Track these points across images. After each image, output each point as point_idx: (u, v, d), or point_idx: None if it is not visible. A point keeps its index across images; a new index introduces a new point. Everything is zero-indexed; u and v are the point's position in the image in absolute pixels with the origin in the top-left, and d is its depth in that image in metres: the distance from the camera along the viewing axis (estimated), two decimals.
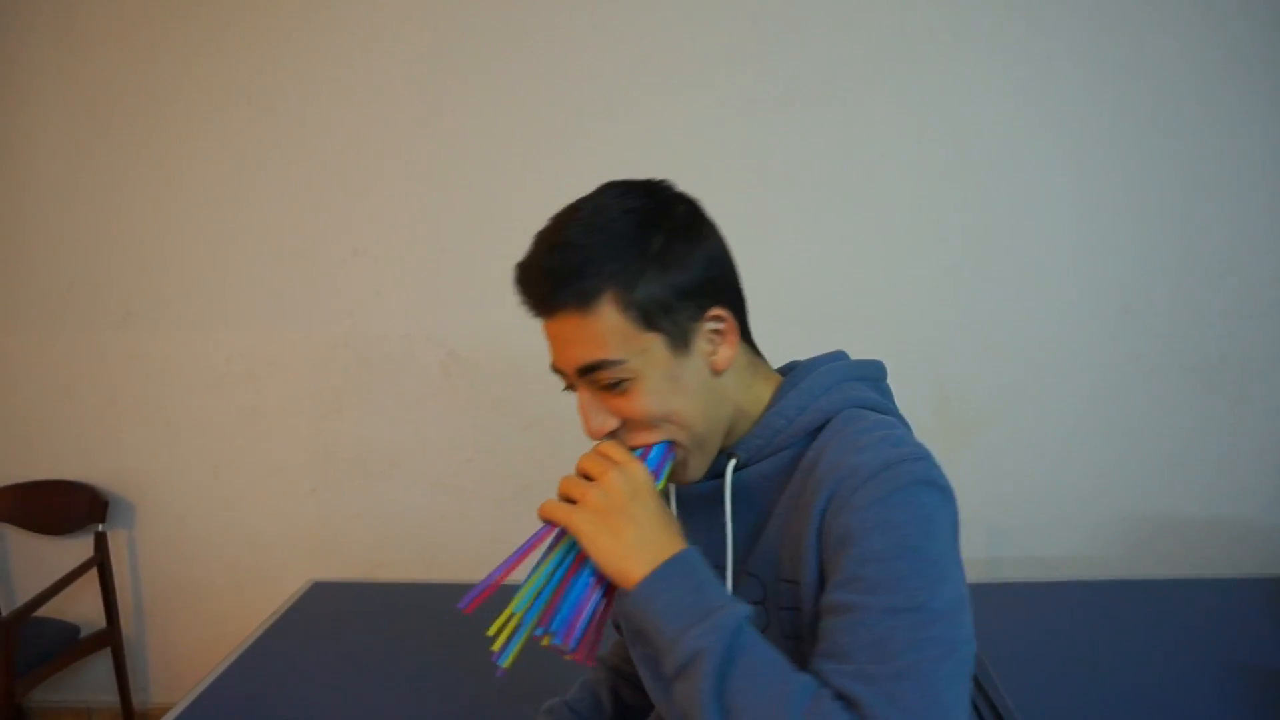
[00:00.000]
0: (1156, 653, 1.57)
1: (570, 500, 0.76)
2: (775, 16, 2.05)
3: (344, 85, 2.16)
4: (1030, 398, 2.12)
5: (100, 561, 2.28)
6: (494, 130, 2.14)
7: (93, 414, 2.33)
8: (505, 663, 0.74)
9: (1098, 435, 2.11)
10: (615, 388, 0.77)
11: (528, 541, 0.78)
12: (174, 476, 2.34)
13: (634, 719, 1.05)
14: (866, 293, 2.12)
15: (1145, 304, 2.07)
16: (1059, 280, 2.08)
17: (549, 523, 0.77)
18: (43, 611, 2.13)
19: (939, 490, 0.73)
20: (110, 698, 2.39)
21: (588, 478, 0.77)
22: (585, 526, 0.74)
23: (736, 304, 0.83)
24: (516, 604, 0.74)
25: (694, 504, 0.86)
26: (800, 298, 2.09)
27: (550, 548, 0.78)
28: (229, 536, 2.35)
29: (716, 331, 0.80)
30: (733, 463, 0.83)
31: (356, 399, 2.27)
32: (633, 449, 0.79)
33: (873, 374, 0.88)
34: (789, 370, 0.89)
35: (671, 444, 0.80)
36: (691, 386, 0.79)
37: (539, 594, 0.75)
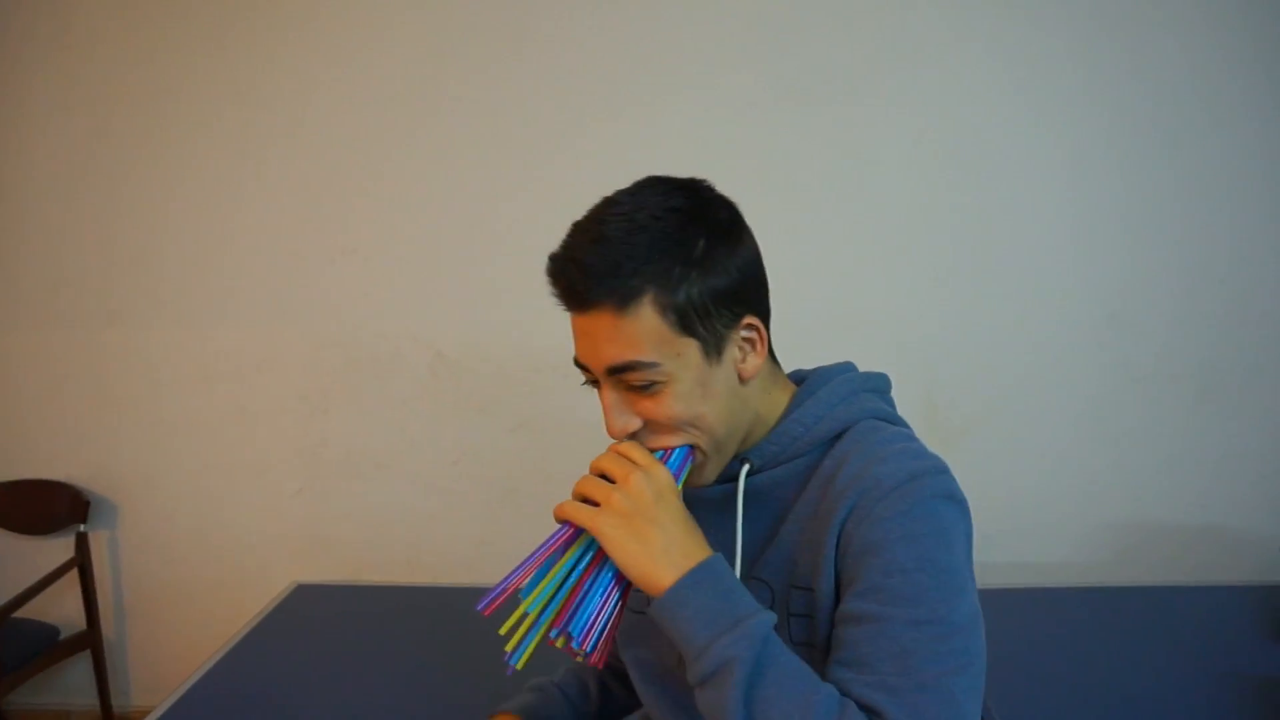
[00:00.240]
0: (1145, 660, 1.57)
1: (590, 502, 0.75)
2: (775, 17, 2.04)
3: (336, 86, 2.15)
4: (1020, 403, 2.11)
5: (81, 562, 2.25)
6: (486, 131, 2.12)
7: (77, 413, 2.31)
8: (519, 663, 0.74)
9: (1088, 441, 2.11)
10: (645, 389, 0.76)
11: (547, 541, 0.77)
12: (158, 476, 2.31)
13: (618, 713, 1.05)
14: (857, 296, 2.11)
15: (1136, 310, 2.06)
16: (1051, 285, 2.07)
17: (566, 523, 0.76)
18: (22, 613, 2.10)
19: (957, 504, 0.75)
20: (90, 700, 2.36)
21: (606, 479, 0.76)
22: (609, 530, 0.73)
23: (767, 313, 0.83)
24: (529, 604, 0.73)
25: (701, 507, 0.86)
26: (790, 300, 2.07)
27: (564, 549, 0.77)
28: (213, 537, 2.32)
29: (748, 340, 0.80)
30: (746, 468, 0.83)
31: (344, 399, 2.25)
32: (652, 451, 0.79)
33: (881, 386, 0.90)
34: (799, 378, 0.90)
35: (692, 448, 0.80)
36: (719, 392, 0.78)
37: (554, 595, 0.74)
